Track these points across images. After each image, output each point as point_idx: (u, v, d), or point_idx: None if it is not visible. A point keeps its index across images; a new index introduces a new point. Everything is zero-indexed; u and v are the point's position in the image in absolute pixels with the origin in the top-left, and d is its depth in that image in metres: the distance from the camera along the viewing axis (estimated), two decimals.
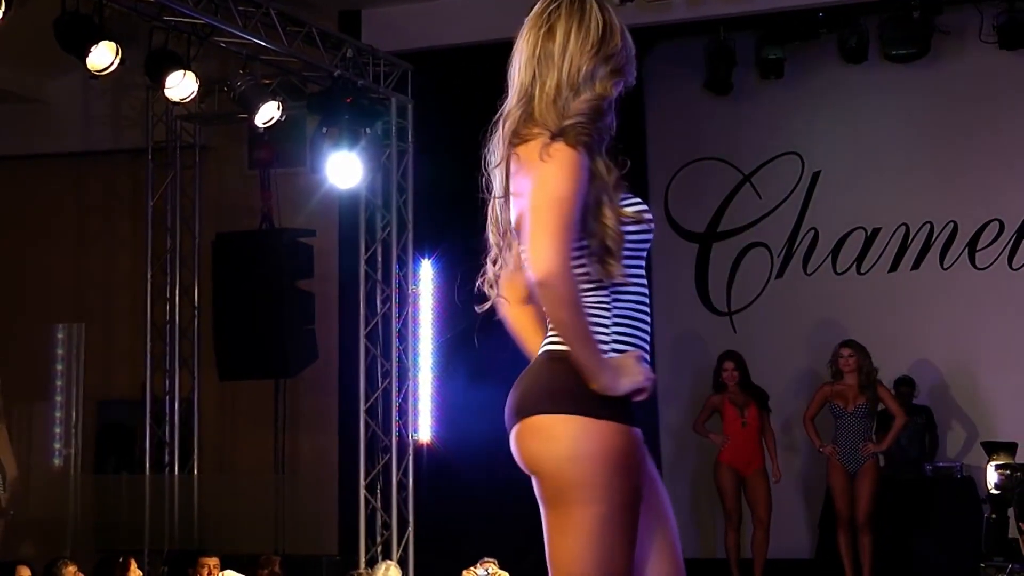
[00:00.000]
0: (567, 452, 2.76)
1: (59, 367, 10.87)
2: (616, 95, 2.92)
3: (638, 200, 2.95)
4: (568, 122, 2.82)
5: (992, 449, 9.11)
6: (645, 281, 2.96)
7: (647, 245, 2.95)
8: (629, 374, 2.81)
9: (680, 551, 3.00)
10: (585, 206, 2.81)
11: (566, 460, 2.76)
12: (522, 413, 2.84)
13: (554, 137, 2.82)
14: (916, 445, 9.86)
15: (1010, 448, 9.02)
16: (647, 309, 2.95)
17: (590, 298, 2.88)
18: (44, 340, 10.93)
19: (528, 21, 2.93)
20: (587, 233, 2.83)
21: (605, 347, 2.85)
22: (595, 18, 2.88)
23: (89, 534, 10.63)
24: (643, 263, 2.96)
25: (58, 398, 10.86)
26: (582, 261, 2.85)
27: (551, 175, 2.79)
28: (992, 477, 8.51)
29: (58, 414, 10.83)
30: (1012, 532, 8.34)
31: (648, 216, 2.94)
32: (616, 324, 2.88)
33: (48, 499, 10.75)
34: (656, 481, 2.96)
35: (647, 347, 2.94)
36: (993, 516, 8.51)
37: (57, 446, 10.82)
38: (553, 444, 2.78)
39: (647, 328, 2.94)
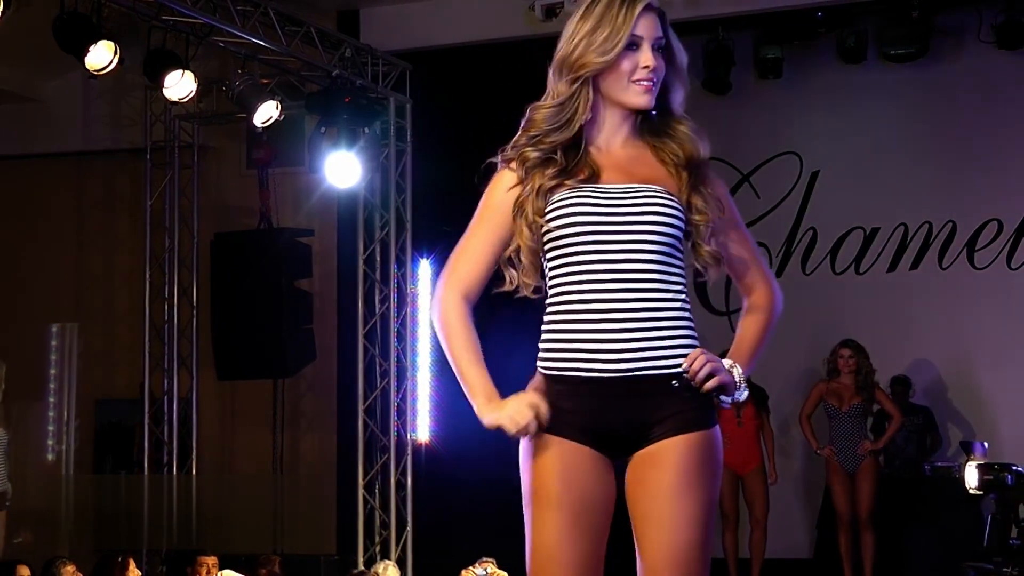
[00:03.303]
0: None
1: (52, 370, 10.90)
2: (578, 93, 2.85)
3: (562, 206, 2.82)
4: (517, 140, 2.89)
5: (968, 449, 9.11)
6: (588, 290, 2.80)
7: (573, 251, 2.80)
8: (495, 410, 2.78)
9: (665, 567, 2.78)
10: (518, 220, 2.87)
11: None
12: None
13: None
14: (913, 444, 9.86)
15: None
16: (586, 319, 2.79)
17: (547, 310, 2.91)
18: (40, 339, 10.94)
19: None
20: (510, 244, 2.90)
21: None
22: (569, 28, 2.89)
23: (88, 533, 10.63)
24: (581, 273, 2.80)
25: (51, 399, 10.88)
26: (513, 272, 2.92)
27: (479, 206, 2.95)
28: (972, 478, 8.48)
29: (52, 413, 10.86)
30: (1013, 533, 8.31)
31: (562, 223, 2.80)
32: (544, 341, 2.88)
33: (42, 495, 10.76)
34: (647, 497, 2.80)
35: (586, 364, 2.79)
36: (997, 516, 8.48)
37: (51, 443, 10.85)
38: None
39: (583, 342, 2.79)
